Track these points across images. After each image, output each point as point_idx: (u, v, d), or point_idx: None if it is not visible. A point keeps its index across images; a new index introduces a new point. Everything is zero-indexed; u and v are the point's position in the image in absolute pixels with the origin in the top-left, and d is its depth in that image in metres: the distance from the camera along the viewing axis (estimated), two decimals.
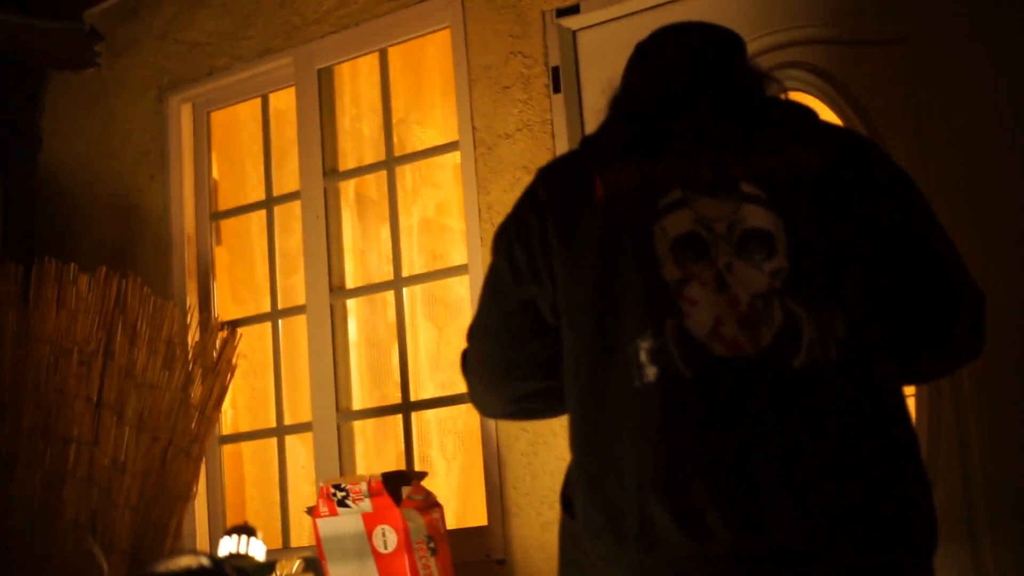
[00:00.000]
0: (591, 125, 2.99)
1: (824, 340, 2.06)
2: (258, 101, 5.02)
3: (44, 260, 4.58)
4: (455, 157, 4.47)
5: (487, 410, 2.57)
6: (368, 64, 4.89)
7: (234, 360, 4.74)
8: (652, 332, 2.09)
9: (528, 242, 2.29)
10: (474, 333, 2.45)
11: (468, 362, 2.48)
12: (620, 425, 2.11)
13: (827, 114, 3.54)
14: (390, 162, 4.62)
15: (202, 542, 4.67)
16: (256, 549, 3.88)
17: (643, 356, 2.09)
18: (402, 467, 4.35)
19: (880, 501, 2.03)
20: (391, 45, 4.62)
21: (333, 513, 3.62)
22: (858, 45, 3.60)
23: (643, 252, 2.14)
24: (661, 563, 2.05)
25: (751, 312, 2.07)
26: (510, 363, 2.37)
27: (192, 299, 4.89)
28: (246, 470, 5.15)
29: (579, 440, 2.21)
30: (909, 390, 2.31)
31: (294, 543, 4.60)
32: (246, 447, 5.12)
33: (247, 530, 3.91)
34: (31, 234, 5.19)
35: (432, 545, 3.60)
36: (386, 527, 3.56)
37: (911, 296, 2.19)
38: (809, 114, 2.34)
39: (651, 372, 2.08)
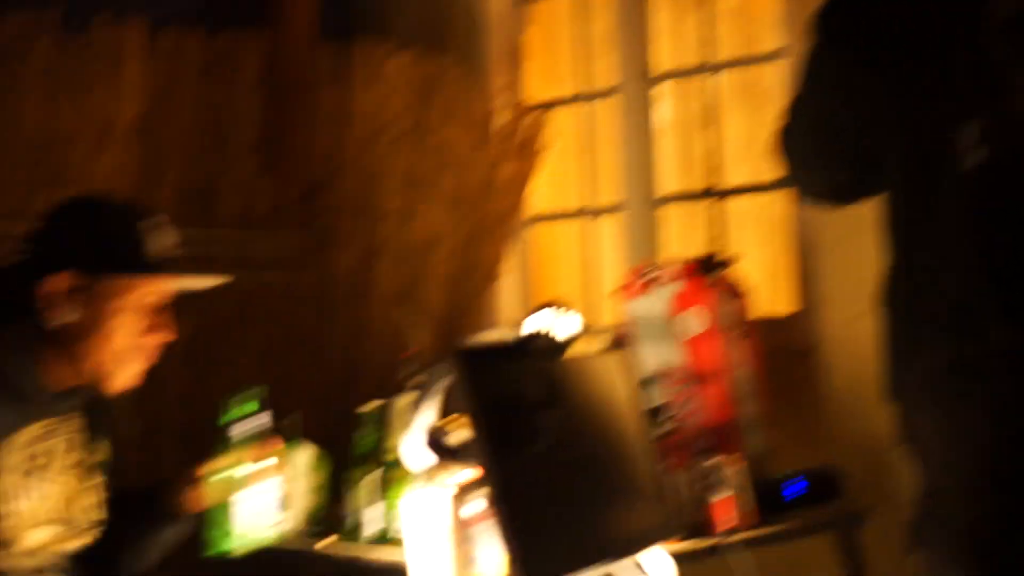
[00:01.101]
0: None
1: None
2: None
3: (360, 38, 4.64)
4: None
5: (800, 189, 2.52)
6: None
7: (542, 142, 4.76)
8: (979, 115, 2.01)
9: (855, 27, 2.21)
10: (793, 113, 2.39)
11: (785, 139, 2.42)
12: (943, 211, 2.04)
13: None
14: None
15: (511, 318, 4.76)
16: (567, 324, 3.93)
17: (969, 140, 2.01)
18: (711, 253, 4.33)
19: None
20: None
21: (642, 294, 3.64)
22: None
23: (969, 35, 2.05)
24: (983, 353, 1.99)
25: None
26: (826, 152, 2.31)
27: (502, 80, 4.92)
28: (553, 251, 5.22)
29: (898, 228, 2.14)
30: None
31: (601, 323, 4.65)
32: (553, 227, 5.17)
33: (558, 305, 3.96)
34: (347, 11, 5.26)
35: (739, 331, 3.59)
36: (693, 310, 3.56)
37: None
38: None
39: (977, 155, 2.01)
